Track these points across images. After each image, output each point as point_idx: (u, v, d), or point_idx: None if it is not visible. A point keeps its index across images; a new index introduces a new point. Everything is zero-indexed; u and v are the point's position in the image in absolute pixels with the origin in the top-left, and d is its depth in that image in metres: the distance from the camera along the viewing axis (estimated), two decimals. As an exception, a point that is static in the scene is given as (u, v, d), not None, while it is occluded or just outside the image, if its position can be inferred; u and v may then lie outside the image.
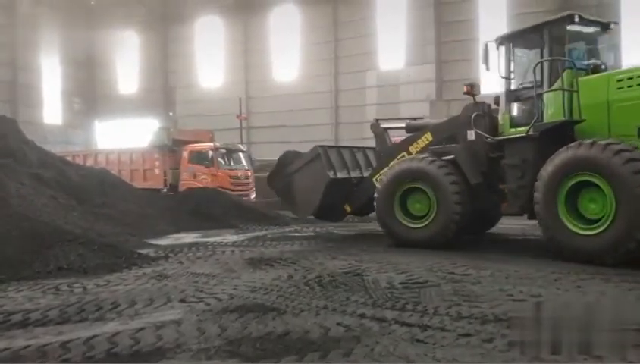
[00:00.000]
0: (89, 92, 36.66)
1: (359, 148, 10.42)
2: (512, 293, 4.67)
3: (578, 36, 7.24)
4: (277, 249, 7.84)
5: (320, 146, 9.39)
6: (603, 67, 7.20)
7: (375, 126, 9.81)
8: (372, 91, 31.48)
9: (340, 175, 9.10)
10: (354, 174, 9.59)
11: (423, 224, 7.73)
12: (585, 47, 7.41)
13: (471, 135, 7.86)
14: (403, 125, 9.53)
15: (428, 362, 3.12)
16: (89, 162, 18.15)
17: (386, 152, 9.16)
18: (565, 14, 7.12)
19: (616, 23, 7.67)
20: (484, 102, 8.04)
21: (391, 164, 8.35)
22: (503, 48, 7.70)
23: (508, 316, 3.92)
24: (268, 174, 10.43)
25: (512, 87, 7.61)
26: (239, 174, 17.33)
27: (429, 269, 5.91)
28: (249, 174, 17.94)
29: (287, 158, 9.93)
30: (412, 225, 7.83)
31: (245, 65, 33.62)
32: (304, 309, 4.33)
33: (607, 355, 3.13)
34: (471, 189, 7.54)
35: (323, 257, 6.84)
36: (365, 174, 9.35)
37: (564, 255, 6.23)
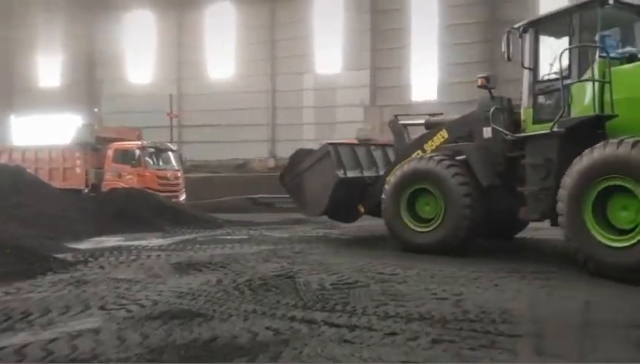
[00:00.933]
0: (5, 85, 34.09)
1: (377, 145, 9.95)
2: (436, 292, 4.83)
3: (611, 21, 6.32)
4: (206, 252, 7.64)
5: (330, 144, 8.89)
6: None
7: (394, 123, 9.30)
8: (309, 93, 31.69)
9: (351, 174, 8.62)
10: (369, 172, 9.01)
11: (431, 228, 7.22)
12: (620, 34, 6.52)
13: (487, 132, 7.23)
14: (422, 121, 9.00)
15: (355, 362, 3.15)
16: (3, 159, 16.85)
17: (403, 150, 8.63)
18: None
19: None
20: (502, 96, 7.43)
21: (403, 163, 7.82)
22: (527, 36, 6.92)
23: (432, 315, 4.06)
24: (280, 172, 9.96)
25: (538, 79, 6.79)
26: (168, 175, 16.76)
27: (359, 270, 6.00)
28: (179, 174, 17.40)
29: (299, 156, 9.49)
30: (419, 229, 7.38)
31: (178, 61, 32.68)
32: (232, 313, 4.24)
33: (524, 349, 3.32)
34: (483, 191, 6.99)
35: (255, 260, 6.75)
36: (382, 173, 8.81)
37: (593, 270, 5.43)
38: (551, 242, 7.97)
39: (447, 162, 7.12)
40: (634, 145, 5.10)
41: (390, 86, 30.31)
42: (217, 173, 27.08)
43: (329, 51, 31.22)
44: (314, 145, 26.28)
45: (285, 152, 30.80)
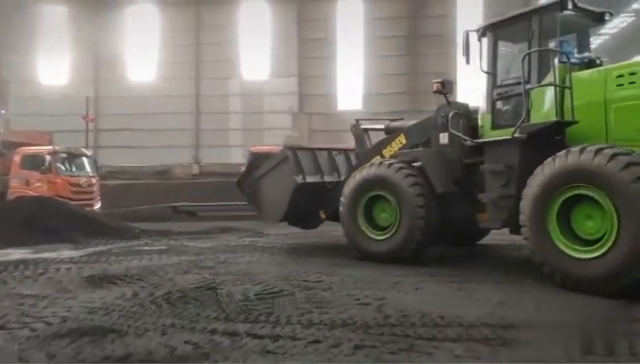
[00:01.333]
0: None
1: (340, 150, 9.67)
2: (360, 298, 4.88)
3: (568, 27, 6.31)
4: (122, 265, 7.20)
5: (289, 148, 8.70)
6: (598, 61, 6.35)
7: (355, 127, 9.12)
8: (236, 99, 31.32)
9: (310, 179, 8.41)
10: (330, 178, 8.84)
11: (386, 236, 7.12)
12: (576, 39, 6.58)
13: (444, 138, 7.13)
14: (382, 127, 8.87)
15: (277, 373, 3.11)
16: None
17: (363, 155, 8.53)
18: None
19: (612, 15, 6.72)
20: (459, 102, 7.40)
21: (360, 168, 7.70)
22: (485, 40, 6.85)
23: (354, 320, 4.10)
24: (237, 178, 9.66)
25: (496, 84, 6.72)
26: (81, 182, 15.77)
27: (285, 278, 5.94)
28: (94, 181, 16.45)
29: (256, 161, 9.30)
30: (376, 236, 7.26)
31: (95, 62, 31.06)
32: (149, 328, 4.03)
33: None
34: (439, 198, 6.88)
35: (174, 272, 6.47)
36: (343, 178, 8.52)
37: (560, 283, 5.19)
38: (512, 247, 8.18)
39: (401, 168, 7.00)
40: (596, 153, 4.94)
41: (317, 95, 30.69)
42: (136, 179, 25.93)
43: (256, 57, 31.12)
44: (241, 151, 26.03)
45: (210, 158, 30.26)
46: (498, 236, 8.18)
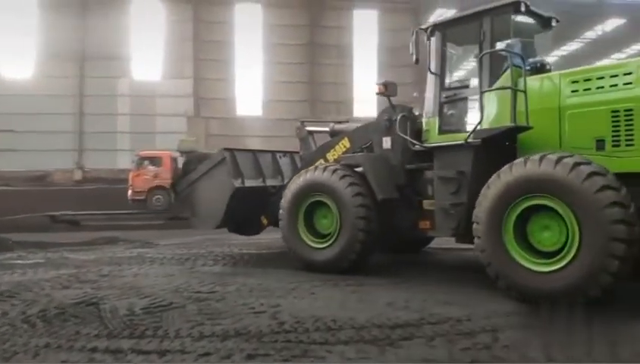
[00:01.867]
0: None
1: (285, 152, 9.12)
2: (254, 306, 4.83)
3: (519, 30, 6.10)
4: (-10, 280, 6.45)
5: (226, 149, 7.97)
6: (548, 66, 6.24)
7: (300, 129, 8.67)
8: (125, 100, 29.62)
9: (251, 183, 7.91)
10: (273, 181, 8.38)
11: (327, 244, 6.75)
12: (524, 44, 6.18)
13: (386, 142, 6.87)
14: (327, 129, 8.44)
15: (164, 390, 2.95)
16: None
17: (307, 158, 8.11)
18: (510, 0, 5.93)
19: (558, 21, 6.61)
20: (403, 105, 7.04)
21: (301, 172, 7.28)
22: (434, 39, 6.55)
23: (248, 330, 4.04)
24: (171, 181, 9.16)
25: (444, 86, 6.45)
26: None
27: (175, 290, 5.68)
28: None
29: (192, 163, 8.54)
30: (316, 245, 6.88)
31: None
32: (19, 351, 3.64)
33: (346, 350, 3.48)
34: (380, 204, 6.55)
35: (51, 287, 5.89)
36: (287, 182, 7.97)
37: (517, 297, 4.92)
38: (454, 254, 8.29)
39: (344, 176, 6.65)
40: (557, 162, 4.72)
41: (215, 98, 30.07)
42: (9, 186, 23.43)
43: (149, 57, 29.77)
44: (129, 156, 24.68)
45: (94, 162, 28.25)
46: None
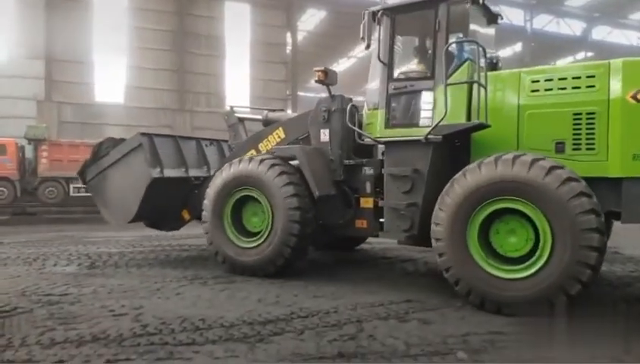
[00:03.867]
0: None
1: (212, 140, 8.17)
2: (114, 309, 4.53)
3: (473, 22, 5.80)
4: None
5: (143, 134, 7.07)
6: (500, 64, 6.07)
7: (229, 115, 7.95)
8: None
9: (170, 173, 7.10)
10: (198, 172, 7.59)
11: (257, 243, 6.18)
12: (477, 37, 5.82)
13: (324, 135, 6.40)
14: (260, 117, 7.83)
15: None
16: None
17: (237, 147, 7.47)
18: None
19: (502, 18, 6.50)
20: (342, 95, 6.47)
21: (229, 163, 6.61)
22: (383, 25, 5.93)
23: (107, 334, 3.78)
24: (79, 167, 7.57)
25: (392, 77, 5.88)
26: None
27: (21, 294, 5.12)
28: None
29: (103, 148, 7.32)
30: (244, 245, 6.28)
31: None
32: None
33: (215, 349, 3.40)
34: (316, 201, 6.12)
35: None
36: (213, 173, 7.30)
37: (477, 303, 4.67)
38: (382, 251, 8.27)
39: (273, 165, 6.15)
40: (532, 164, 4.52)
41: (70, 82, 27.34)
42: None
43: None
44: (-36, 143, 21.41)
45: None
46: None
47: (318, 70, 6.07)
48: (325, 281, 5.86)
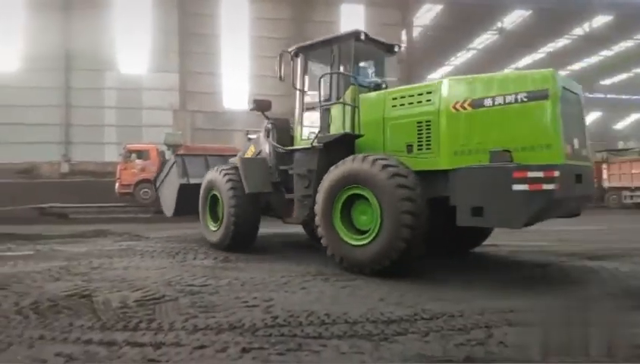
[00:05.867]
0: None
1: (234, 155, 10.58)
2: (247, 300, 4.85)
3: (365, 55, 7.66)
4: (-21, 272, 6.39)
5: (177, 155, 11.03)
6: (384, 85, 7.67)
7: (246, 138, 10.57)
8: (111, 93, 29.29)
9: (195, 181, 9.72)
10: None
11: (218, 229, 8.48)
12: (371, 65, 7.83)
13: (266, 148, 8.41)
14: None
15: (161, 383, 2.97)
16: None
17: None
18: (352, 30, 7.30)
19: (400, 47, 8.20)
20: (279, 118, 8.49)
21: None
22: (297, 60, 7.95)
23: (242, 323, 4.07)
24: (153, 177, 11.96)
25: (303, 100, 7.86)
26: None
27: (167, 283, 5.69)
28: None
29: (164, 165, 11.44)
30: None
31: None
32: (13, 342, 3.63)
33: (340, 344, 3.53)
34: (251, 198, 8.07)
35: (43, 279, 5.88)
36: None
37: (347, 267, 6.32)
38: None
39: (223, 171, 8.40)
40: (363, 159, 6.20)
41: (201, 92, 29.84)
42: (-6, 178, 23.08)
43: (135, 50, 29.43)
44: (116, 149, 24.43)
45: (82, 155, 27.92)
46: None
47: (251, 105, 8.21)
48: (450, 284, 5.70)
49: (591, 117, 65.02)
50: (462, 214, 5.64)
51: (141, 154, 21.41)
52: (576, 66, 52.16)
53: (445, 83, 6.19)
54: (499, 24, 40.10)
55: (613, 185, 25.81)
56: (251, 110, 8.24)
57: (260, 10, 30.32)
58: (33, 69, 27.85)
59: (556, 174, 5.24)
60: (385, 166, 5.95)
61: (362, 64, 7.68)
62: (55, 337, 3.75)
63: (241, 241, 8.21)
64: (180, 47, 29.23)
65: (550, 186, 5.21)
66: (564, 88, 5.65)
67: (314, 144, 7.24)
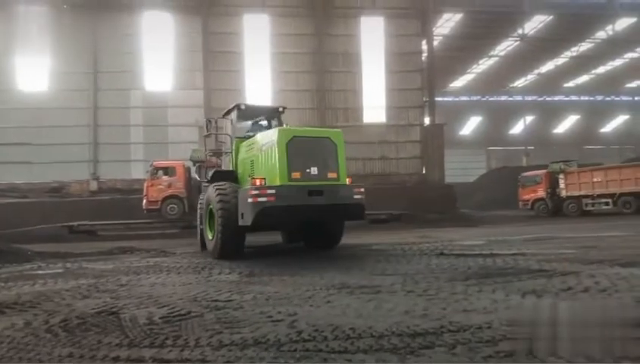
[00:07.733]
0: None
1: None
2: (272, 315, 4.84)
3: (255, 114, 12.03)
4: (12, 291, 6.56)
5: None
6: (255, 136, 10.62)
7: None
8: (137, 111, 29.90)
9: None
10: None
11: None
12: (267, 119, 11.97)
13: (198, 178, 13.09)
14: None
15: (187, 400, 2.97)
16: None
17: None
18: (234, 104, 11.33)
19: (284, 108, 11.82)
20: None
21: None
22: (220, 122, 12.07)
23: (267, 338, 4.06)
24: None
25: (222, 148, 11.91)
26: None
27: (193, 300, 5.74)
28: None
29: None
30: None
31: (-22, 71, 28.21)
32: (43, 359, 3.70)
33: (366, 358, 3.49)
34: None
35: (72, 297, 6.00)
36: None
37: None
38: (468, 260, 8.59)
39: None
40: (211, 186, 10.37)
41: (225, 108, 30.21)
42: (26, 198, 23.76)
43: (160, 69, 30.04)
44: (143, 166, 24.79)
45: (109, 173, 28.56)
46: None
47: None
48: (474, 295, 5.59)
49: (618, 121, 63.58)
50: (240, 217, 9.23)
51: (167, 170, 21.76)
52: (601, 69, 51.13)
53: (258, 136, 10.25)
54: (520, 30, 39.70)
55: (571, 194, 27.17)
56: (205, 136, 11.66)
57: (281, 27, 30.69)
58: (62, 89, 28.71)
59: (270, 191, 8.70)
60: (216, 188, 9.82)
61: (256, 119, 12.09)
62: (84, 355, 3.80)
63: (228, 250, 9.61)
64: (205, 64, 29.76)
65: (264, 199, 8.59)
66: (295, 136, 9.15)
67: (208, 177, 11.50)
